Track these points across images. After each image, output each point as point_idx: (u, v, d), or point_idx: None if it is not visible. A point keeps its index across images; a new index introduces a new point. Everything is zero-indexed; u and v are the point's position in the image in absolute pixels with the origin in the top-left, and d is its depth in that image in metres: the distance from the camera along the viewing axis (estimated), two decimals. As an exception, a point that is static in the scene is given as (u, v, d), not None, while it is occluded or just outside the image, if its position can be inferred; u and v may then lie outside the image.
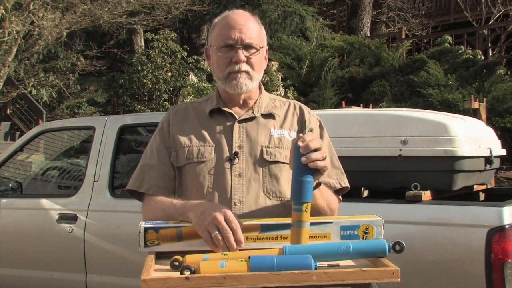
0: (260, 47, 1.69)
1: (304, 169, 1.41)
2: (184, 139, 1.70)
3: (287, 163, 1.65)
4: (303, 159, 1.40)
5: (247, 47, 1.66)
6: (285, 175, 1.66)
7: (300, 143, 1.40)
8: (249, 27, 1.67)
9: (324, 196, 1.62)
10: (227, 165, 1.65)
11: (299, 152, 1.41)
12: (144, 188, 1.70)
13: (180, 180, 1.70)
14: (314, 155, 1.40)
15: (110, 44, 11.12)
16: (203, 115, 1.75)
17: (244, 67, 1.66)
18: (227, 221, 1.42)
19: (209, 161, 1.65)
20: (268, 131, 1.70)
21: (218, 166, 1.65)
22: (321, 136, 1.76)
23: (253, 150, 1.67)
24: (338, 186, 1.73)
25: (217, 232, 1.40)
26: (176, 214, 1.55)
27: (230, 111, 1.72)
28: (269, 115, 1.74)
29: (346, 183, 1.75)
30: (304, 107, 1.81)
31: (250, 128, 1.70)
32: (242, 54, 1.65)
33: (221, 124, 1.71)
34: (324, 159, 1.43)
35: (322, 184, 1.59)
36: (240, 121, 1.71)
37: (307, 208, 1.41)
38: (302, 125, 1.73)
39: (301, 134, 1.44)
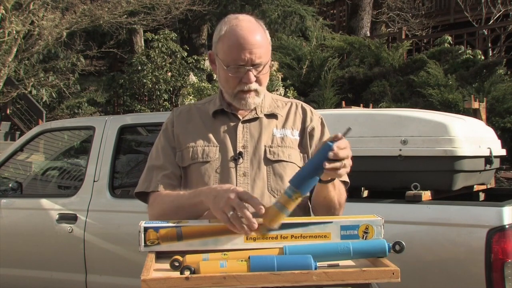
0: (267, 61, 1.68)
1: (320, 167, 1.41)
2: (188, 140, 1.72)
3: (291, 162, 1.69)
4: (327, 165, 1.39)
5: (256, 66, 1.65)
6: (289, 174, 1.66)
7: (334, 147, 1.40)
8: (258, 44, 1.64)
9: (336, 190, 1.63)
10: (232, 164, 1.67)
11: (326, 152, 1.40)
12: (153, 187, 1.71)
13: (186, 180, 1.71)
14: (340, 165, 1.41)
15: (110, 44, 11.11)
16: (206, 116, 1.76)
17: (254, 86, 1.67)
18: (242, 200, 1.43)
19: (214, 161, 1.67)
20: (271, 131, 1.73)
21: (223, 166, 1.67)
22: (322, 134, 1.78)
23: (257, 150, 1.69)
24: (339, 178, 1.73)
25: (232, 212, 1.41)
26: (187, 203, 1.57)
27: (233, 112, 1.74)
28: (271, 115, 1.76)
29: (346, 178, 1.76)
30: (306, 106, 1.82)
31: (253, 128, 1.72)
32: (252, 75, 1.65)
33: (225, 124, 1.73)
34: (345, 170, 1.44)
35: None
36: (244, 122, 1.73)
37: (296, 198, 1.42)
38: (304, 124, 1.76)
39: (339, 134, 1.42)
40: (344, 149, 1.41)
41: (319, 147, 1.46)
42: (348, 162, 1.44)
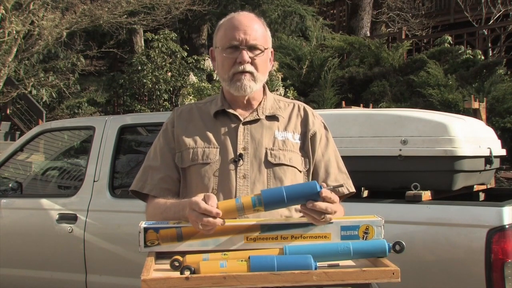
0: (265, 48, 1.69)
1: (294, 201, 1.44)
2: (188, 141, 1.70)
3: (291, 166, 1.67)
4: (309, 205, 1.41)
5: (252, 48, 1.66)
6: (289, 178, 1.66)
7: (323, 194, 1.41)
8: (254, 28, 1.67)
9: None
10: (232, 167, 1.65)
11: (309, 192, 1.42)
12: (147, 189, 1.71)
13: (185, 181, 1.71)
14: (318, 218, 1.42)
15: (110, 44, 11.11)
16: (207, 116, 1.75)
17: (248, 67, 1.66)
18: (199, 212, 1.43)
19: (214, 163, 1.66)
20: (272, 133, 1.71)
21: (223, 168, 1.66)
22: (326, 138, 1.76)
23: (258, 152, 1.67)
24: (346, 191, 1.73)
25: (200, 227, 1.42)
26: (175, 217, 1.56)
27: (234, 112, 1.73)
28: (273, 117, 1.74)
29: (352, 188, 1.76)
30: (309, 109, 1.81)
31: (255, 130, 1.71)
32: (247, 54, 1.65)
33: (226, 126, 1.72)
34: (324, 222, 1.45)
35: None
36: (245, 123, 1.71)
37: (257, 211, 1.44)
38: (306, 127, 1.75)
39: (325, 185, 1.45)
40: (328, 201, 1.42)
41: (307, 182, 1.49)
42: (329, 217, 1.44)
